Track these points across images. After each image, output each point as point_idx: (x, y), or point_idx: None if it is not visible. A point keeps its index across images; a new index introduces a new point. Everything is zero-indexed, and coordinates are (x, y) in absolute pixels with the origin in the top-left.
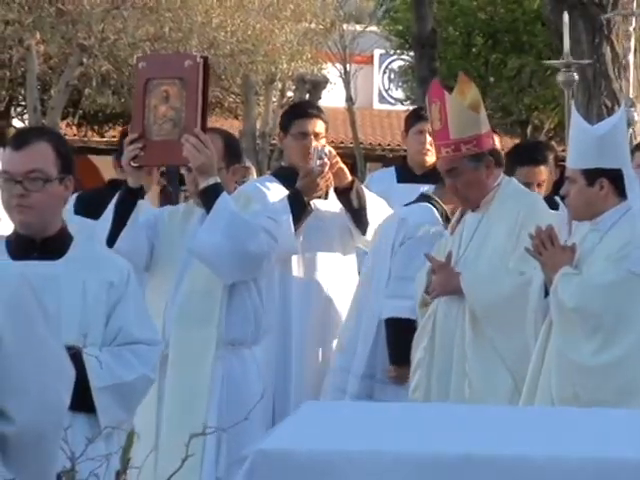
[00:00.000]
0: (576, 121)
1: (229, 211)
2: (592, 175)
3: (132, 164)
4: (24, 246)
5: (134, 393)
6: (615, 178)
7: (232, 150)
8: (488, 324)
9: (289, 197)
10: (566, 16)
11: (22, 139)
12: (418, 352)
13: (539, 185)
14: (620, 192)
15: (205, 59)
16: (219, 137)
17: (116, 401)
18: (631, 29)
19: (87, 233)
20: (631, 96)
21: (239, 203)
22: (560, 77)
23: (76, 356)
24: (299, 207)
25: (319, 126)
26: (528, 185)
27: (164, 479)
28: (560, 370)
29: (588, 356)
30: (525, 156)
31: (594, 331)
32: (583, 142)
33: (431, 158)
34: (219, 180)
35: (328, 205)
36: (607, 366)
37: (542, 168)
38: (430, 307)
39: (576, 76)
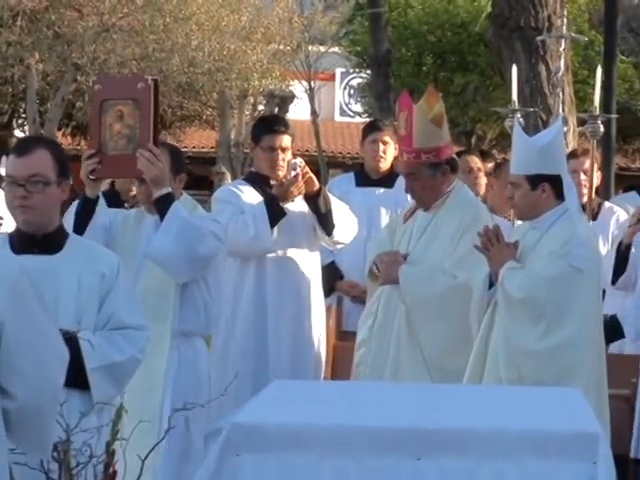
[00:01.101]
0: (519, 133)
1: (181, 218)
2: (535, 180)
3: (90, 177)
4: (25, 242)
5: (124, 372)
6: (555, 182)
7: (177, 161)
8: (416, 317)
9: (266, 202)
10: (514, 68)
11: (24, 147)
12: (363, 331)
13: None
14: (558, 195)
15: (155, 81)
16: (166, 150)
17: (107, 379)
18: (563, 50)
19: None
20: (564, 110)
21: (187, 208)
22: (508, 122)
23: (72, 339)
24: (275, 211)
25: (285, 140)
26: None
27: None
28: (507, 354)
29: (532, 341)
30: None
31: (538, 319)
32: (526, 151)
33: (385, 164)
34: (170, 189)
35: (296, 208)
36: (549, 350)
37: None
38: (378, 290)
39: (522, 121)
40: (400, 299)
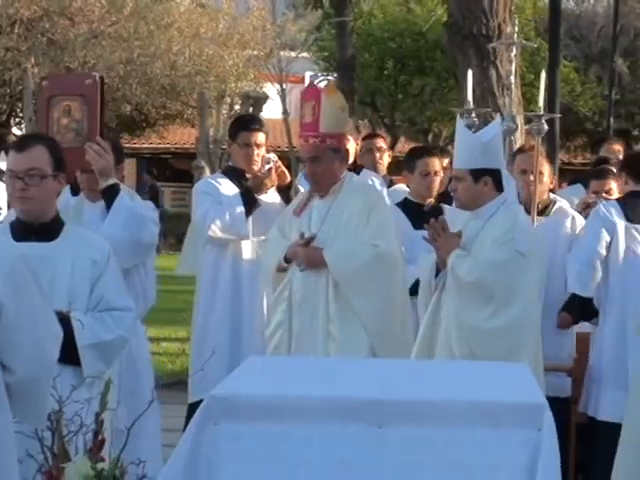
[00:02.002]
0: (462, 130)
1: (127, 207)
2: (478, 174)
3: None
4: (25, 230)
5: (112, 350)
6: (495, 176)
7: (118, 152)
8: (349, 290)
9: (242, 194)
10: (469, 72)
11: (23, 143)
12: (277, 315)
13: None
14: (498, 187)
15: (102, 78)
16: (109, 143)
17: (97, 356)
18: (512, 55)
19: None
20: (513, 110)
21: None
22: (464, 122)
23: (65, 319)
24: (250, 202)
25: (260, 137)
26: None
27: None
28: (459, 332)
29: (482, 321)
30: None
31: (487, 300)
32: (469, 147)
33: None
34: (116, 180)
35: (269, 199)
36: (497, 329)
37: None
38: (287, 275)
39: (476, 120)
40: (321, 279)
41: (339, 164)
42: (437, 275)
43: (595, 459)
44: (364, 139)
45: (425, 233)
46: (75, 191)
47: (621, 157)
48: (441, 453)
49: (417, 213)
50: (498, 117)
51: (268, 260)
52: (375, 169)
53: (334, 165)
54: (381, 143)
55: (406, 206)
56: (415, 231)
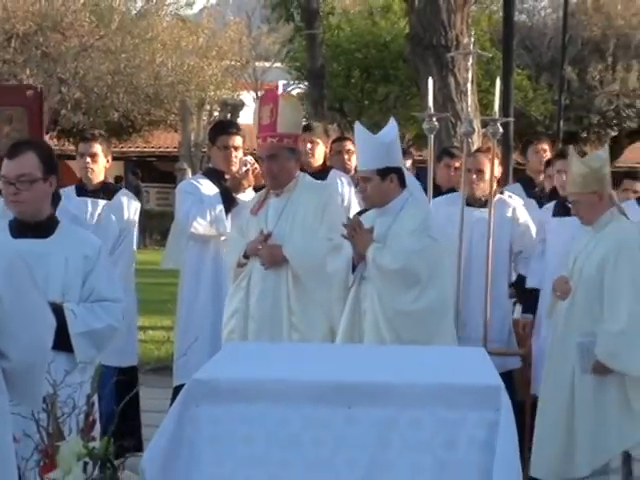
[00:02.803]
0: (364, 133)
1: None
2: (384, 172)
3: None
4: (21, 228)
5: (102, 337)
6: (398, 173)
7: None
8: (310, 281)
9: (221, 193)
10: (430, 80)
11: (14, 150)
12: (234, 304)
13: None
14: (402, 183)
15: (42, 90)
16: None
17: (88, 343)
18: (469, 64)
19: (69, 218)
20: (470, 114)
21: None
22: (424, 125)
23: (59, 309)
24: (229, 201)
25: (237, 140)
26: None
27: None
28: (385, 317)
29: (407, 304)
30: None
31: (413, 285)
32: (373, 149)
33: (315, 160)
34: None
35: (246, 197)
36: (421, 311)
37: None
38: (246, 268)
39: (437, 124)
40: (278, 273)
41: (294, 163)
42: (354, 270)
43: None
44: (334, 142)
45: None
46: (80, 192)
47: (548, 155)
48: (405, 432)
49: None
50: (392, 120)
51: (229, 258)
52: (344, 170)
53: (290, 163)
54: (349, 146)
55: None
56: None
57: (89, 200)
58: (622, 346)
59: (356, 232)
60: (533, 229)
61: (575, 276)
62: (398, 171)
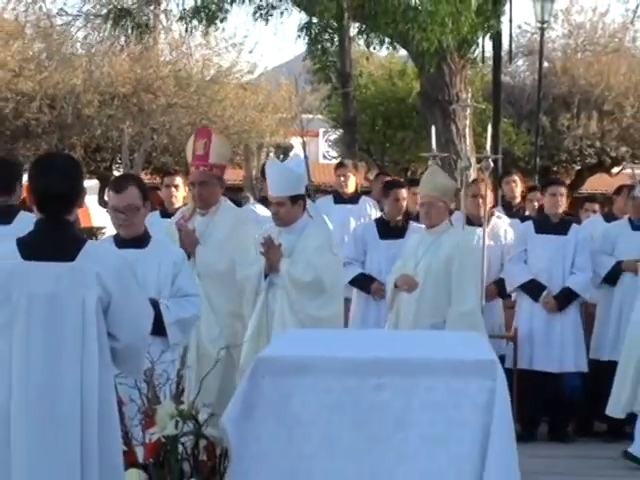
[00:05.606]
0: (278, 166)
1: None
2: (295, 198)
3: None
4: (124, 241)
5: (188, 324)
6: (304, 199)
7: (7, 175)
8: (213, 284)
9: None
10: (434, 129)
11: (120, 186)
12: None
13: None
14: (304, 207)
15: None
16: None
17: (178, 329)
18: (467, 114)
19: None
20: (468, 153)
21: None
22: (430, 162)
23: (155, 304)
24: None
25: None
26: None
27: None
28: (297, 319)
29: (315, 310)
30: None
31: (319, 294)
32: (287, 179)
33: (348, 189)
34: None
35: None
36: (327, 318)
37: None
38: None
39: (439, 162)
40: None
41: (219, 190)
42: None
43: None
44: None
45: (388, 243)
46: (163, 214)
47: (518, 185)
48: (423, 396)
49: (387, 228)
50: (300, 155)
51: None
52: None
53: (216, 190)
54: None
55: (379, 222)
56: (380, 240)
57: (168, 221)
58: (470, 322)
59: (269, 248)
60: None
61: (422, 272)
62: (303, 197)
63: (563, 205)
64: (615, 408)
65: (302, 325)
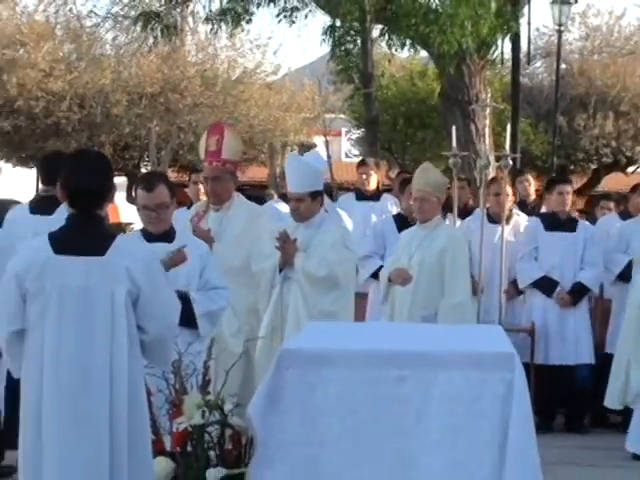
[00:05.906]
0: (298, 161)
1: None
2: (315, 194)
3: None
4: (151, 235)
5: (217, 316)
6: (322, 195)
7: None
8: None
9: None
10: (454, 128)
11: (150, 184)
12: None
13: None
14: (322, 202)
15: None
16: None
17: (207, 321)
18: (486, 114)
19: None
20: (487, 152)
21: None
22: (450, 161)
23: (185, 296)
24: None
25: None
26: None
27: None
28: (309, 314)
29: (327, 305)
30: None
31: (332, 289)
32: (307, 175)
33: (370, 187)
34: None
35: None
36: (339, 312)
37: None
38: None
39: (459, 160)
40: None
41: (232, 185)
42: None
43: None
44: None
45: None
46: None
47: (531, 184)
48: (443, 388)
49: (405, 223)
50: (317, 150)
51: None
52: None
53: (230, 184)
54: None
55: (398, 217)
56: (399, 235)
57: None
58: (461, 313)
59: (285, 243)
60: None
61: (415, 266)
62: (322, 193)
63: (570, 203)
64: (612, 400)
65: (315, 319)
